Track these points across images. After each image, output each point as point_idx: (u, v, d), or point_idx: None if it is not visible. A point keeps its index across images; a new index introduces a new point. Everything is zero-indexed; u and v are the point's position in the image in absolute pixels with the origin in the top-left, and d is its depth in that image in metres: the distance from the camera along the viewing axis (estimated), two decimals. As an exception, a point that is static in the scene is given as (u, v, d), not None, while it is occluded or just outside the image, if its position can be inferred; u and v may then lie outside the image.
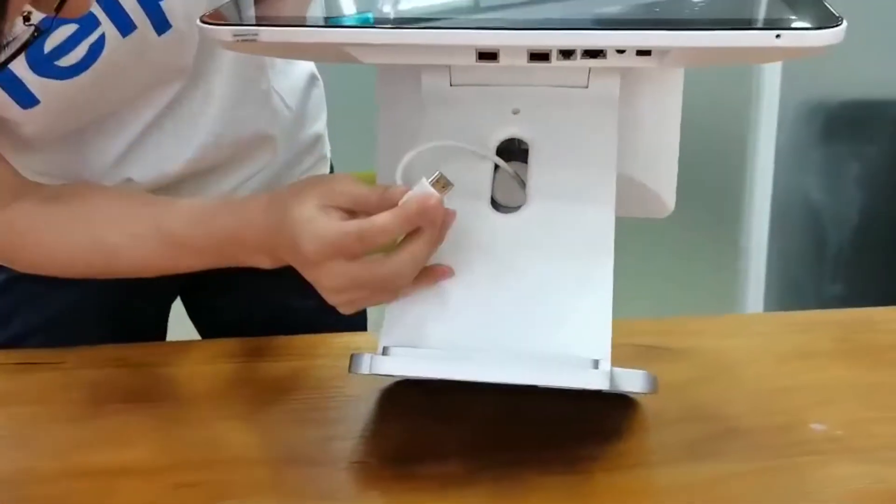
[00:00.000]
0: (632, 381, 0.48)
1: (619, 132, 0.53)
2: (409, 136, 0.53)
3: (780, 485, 0.49)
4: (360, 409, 0.58)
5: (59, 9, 0.41)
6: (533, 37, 0.46)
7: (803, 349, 0.72)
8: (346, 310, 0.51)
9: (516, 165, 0.53)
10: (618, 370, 0.47)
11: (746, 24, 0.44)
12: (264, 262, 0.54)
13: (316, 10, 0.54)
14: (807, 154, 2.64)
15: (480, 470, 0.50)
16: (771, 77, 2.44)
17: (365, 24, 0.48)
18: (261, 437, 0.53)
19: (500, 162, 0.52)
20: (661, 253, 2.49)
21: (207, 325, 0.84)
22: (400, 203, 0.47)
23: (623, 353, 0.70)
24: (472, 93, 0.54)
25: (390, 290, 0.50)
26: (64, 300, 0.74)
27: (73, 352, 0.67)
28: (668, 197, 0.58)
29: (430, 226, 0.48)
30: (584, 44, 0.46)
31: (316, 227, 0.48)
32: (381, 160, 0.58)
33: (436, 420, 0.56)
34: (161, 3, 0.58)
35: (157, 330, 0.81)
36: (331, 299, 0.50)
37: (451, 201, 0.51)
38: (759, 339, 0.76)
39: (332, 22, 0.50)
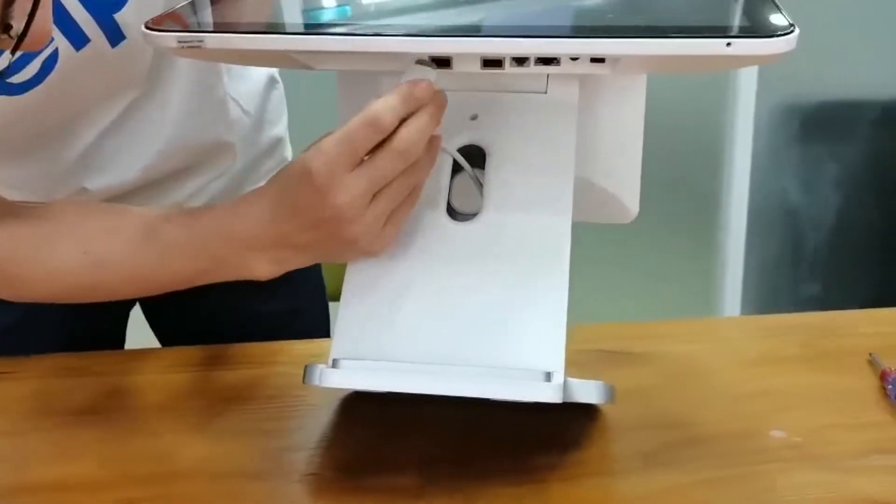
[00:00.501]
0: (586, 393, 0.48)
1: (581, 138, 0.53)
2: None
3: (738, 494, 0.48)
4: (317, 420, 0.57)
5: (16, 48, 0.39)
6: (486, 44, 0.45)
7: (767, 354, 0.71)
8: (378, 238, 0.47)
9: (475, 172, 0.52)
10: (572, 381, 0.47)
11: (698, 32, 0.43)
12: (259, 264, 0.49)
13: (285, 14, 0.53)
14: (783, 155, 2.65)
15: (436, 481, 0.50)
16: (747, 79, 2.45)
17: (314, 29, 0.48)
18: (212, 449, 0.52)
19: (462, 160, 0.51)
20: (638, 255, 2.49)
21: (167, 333, 0.83)
22: (398, 85, 0.45)
23: (588, 359, 0.70)
24: None
25: (411, 180, 0.47)
26: (19, 308, 0.72)
27: (26, 361, 0.65)
28: (631, 203, 0.57)
29: (433, 99, 0.46)
30: (537, 51, 0.45)
31: (316, 146, 0.45)
32: None
33: (392, 431, 0.55)
34: (115, 16, 0.56)
35: (115, 338, 0.80)
36: (357, 227, 0.46)
37: None
38: (724, 344, 0.76)
39: (288, 27, 0.49)
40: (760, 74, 2.44)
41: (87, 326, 0.76)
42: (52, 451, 0.52)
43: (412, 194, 0.49)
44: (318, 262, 0.52)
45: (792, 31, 0.42)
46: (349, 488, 0.49)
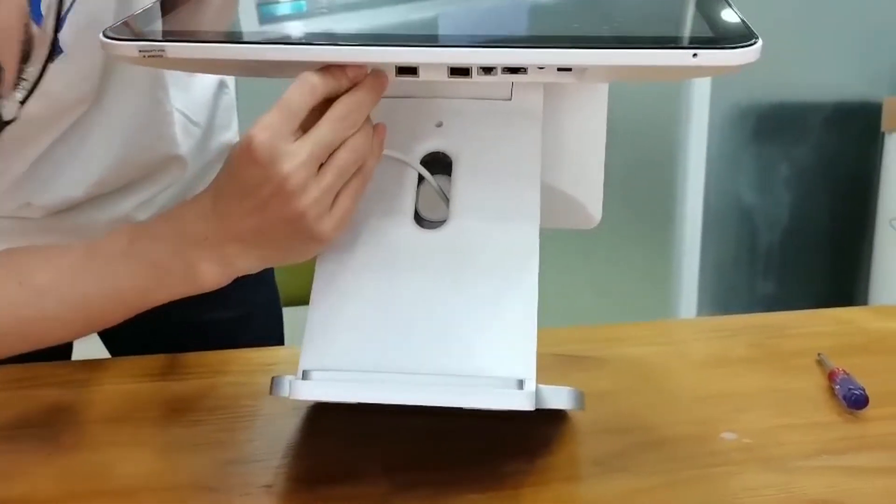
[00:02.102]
0: (558, 399, 0.48)
1: (545, 144, 0.53)
2: None
3: (693, 496, 0.49)
4: (273, 429, 0.57)
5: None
6: (452, 54, 0.45)
7: (719, 356, 0.72)
8: (328, 216, 0.46)
9: (441, 179, 0.52)
10: (544, 388, 0.47)
11: (665, 43, 0.44)
12: (205, 266, 0.47)
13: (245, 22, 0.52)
14: (737, 157, 2.69)
15: (399, 491, 0.49)
16: (700, 82, 2.48)
17: (276, 38, 0.47)
18: (162, 462, 0.51)
19: (422, 170, 0.51)
20: (596, 258, 2.51)
21: (114, 344, 0.81)
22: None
23: (546, 363, 0.69)
24: (395, 105, 0.52)
25: (355, 155, 0.46)
26: None
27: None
28: (595, 209, 0.57)
29: (370, 76, 0.46)
30: (504, 61, 0.45)
31: (256, 121, 0.44)
32: None
33: (352, 440, 0.54)
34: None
35: (61, 349, 0.78)
36: (303, 200, 0.44)
37: (374, 217, 0.50)
38: (677, 347, 0.77)
39: (248, 35, 0.48)
40: (713, 78, 2.47)
41: None
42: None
43: (361, 174, 0.47)
44: (267, 262, 0.49)
45: (756, 42, 0.43)
46: (310, 499, 0.48)
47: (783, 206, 2.76)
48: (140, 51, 0.45)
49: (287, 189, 0.44)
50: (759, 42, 0.43)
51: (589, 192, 0.57)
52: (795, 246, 2.79)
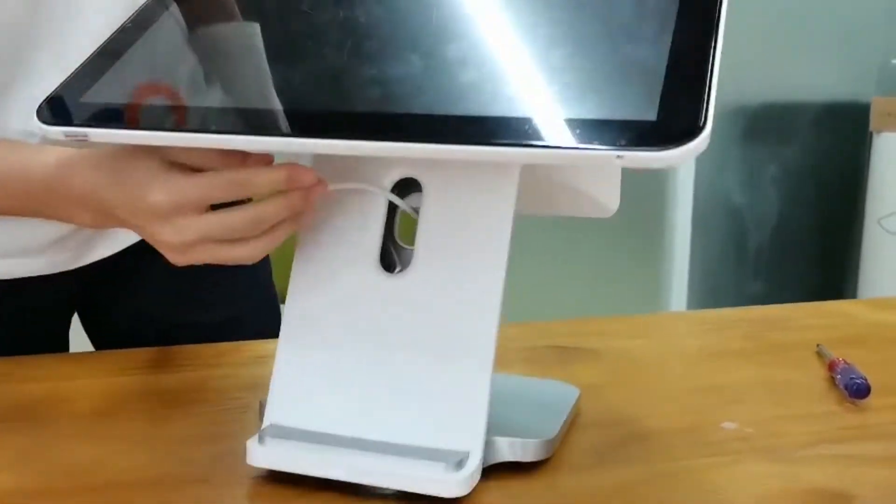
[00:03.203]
0: (513, 452, 0.47)
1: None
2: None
3: (689, 487, 0.48)
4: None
5: None
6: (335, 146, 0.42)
7: (714, 348, 0.72)
8: (181, 262, 0.48)
9: (413, 198, 0.50)
10: (501, 441, 0.47)
11: (586, 135, 0.38)
12: (83, 219, 0.51)
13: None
14: (726, 157, 2.70)
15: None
16: (691, 81, 2.49)
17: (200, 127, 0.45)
18: (149, 455, 0.50)
19: (398, 200, 0.49)
20: (586, 256, 2.51)
21: (104, 344, 0.80)
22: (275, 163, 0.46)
23: (540, 355, 0.69)
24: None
25: (238, 246, 0.47)
26: None
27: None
28: (612, 200, 0.54)
29: (300, 189, 0.46)
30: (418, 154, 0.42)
31: (168, 178, 0.45)
32: None
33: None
34: None
35: (56, 348, 0.77)
36: (173, 257, 0.48)
37: (339, 261, 0.49)
38: (672, 339, 0.76)
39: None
40: (703, 76, 2.48)
41: (25, 334, 0.73)
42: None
43: (279, 228, 0.48)
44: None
45: (702, 132, 0.36)
46: (302, 490, 0.47)
47: (772, 205, 2.77)
48: (66, 135, 0.45)
49: (164, 241, 0.47)
50: (705, 132, 0.37)
51: (607, 184, 0.53)
52: (784, 245, 2.80)
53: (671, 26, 0.41)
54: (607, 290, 2.62)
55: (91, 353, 0.68)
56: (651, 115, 0.38)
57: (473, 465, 0.44)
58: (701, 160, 2.63)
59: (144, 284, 0.77)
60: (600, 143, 0.37)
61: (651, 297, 2.69)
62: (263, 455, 0.46)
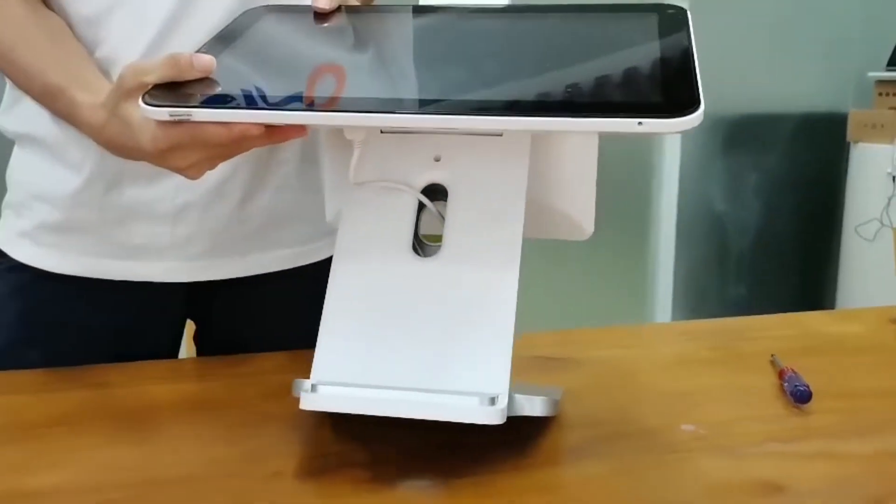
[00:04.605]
0: (531, 407, 0.55)
1: (541, 165, 0.59)
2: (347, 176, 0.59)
3: (650, 478, 0.56)
4: (286, 424, 0.63)
5: None
6: (432, 120, 0.52)
7: (683, 357, 0.80)
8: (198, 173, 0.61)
9: (440, 204, 0.59)
10: (519, 397, 0.54)
11: (613, 111, 0.50)
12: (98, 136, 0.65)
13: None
14: (709, 166, 2.78)
15: (393, 478, 0.56)
16: (675, 94, 2.56)
17: (286, 103, 0.54)
18: (180, 455, 0.58)
19: (426, 200, 0.58)
20: (573, 265, 2.58)
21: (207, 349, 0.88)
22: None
23: (527, 365, 0.77)
24: (399, 140, 0.59)
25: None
26: (67, 313, 0.79)
27: (9, 375, 0.70)
28: (588, 223, 0.64)
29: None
30: (472, 127, 0.53)
31: (153, 130, 0.57)
32: (327, 195, 0.65)
33: (364, 427, 0.61)
34: None
35: (169, 353, 0.85)
36: (189, 173, 0.60)
37: (378, 248, 0.58)
38: (646, 349, 0.85)
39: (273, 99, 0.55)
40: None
41: (139, 341, 0.82)
42: (36, 459, 0.58)
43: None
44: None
45: (698, 108, 0.49)
46: (326, 483, 0.55)
47: (753, 213, 2.85)
48: (171, 115, 0.54)
49: (174, 167, 0.60)
50: (701, 108, 0.49)
51: (583, 209, 0.63)
52: (765, 251, 2.88)
53: (657, 43, 0.56)
54: (595, 297, 2.69)
55: (134, 363, 0.76)
56: (658, 98, 0.51)
57: (503, 402, 0.52)
58: (684, 170, 2.71)
59: (264, 311, 0.86)
60: (626, 115, 0.49)
61: (637, 302, 2.76)
62: (315, 400, 0.52)
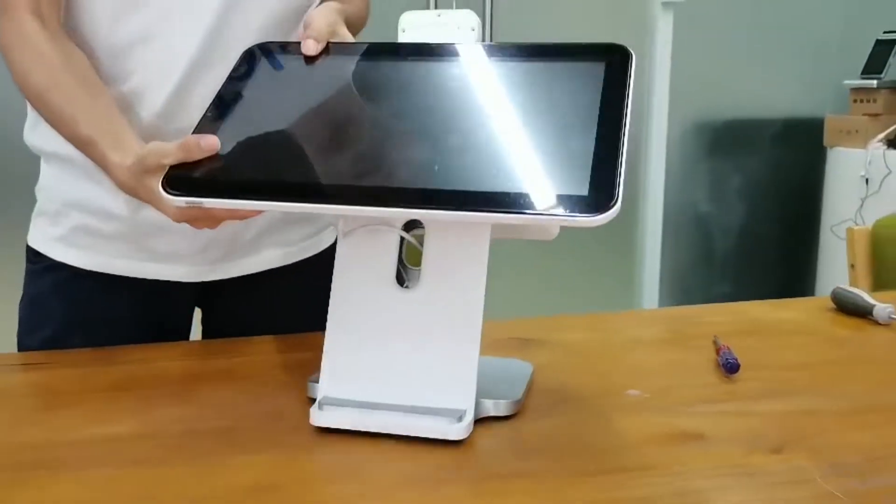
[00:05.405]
0: (497, 409, 0.69)
1: None
2: None
3: (601, 429, 0.68)
4: (302, 396, 0.76)
5: None
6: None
7: (641, 339, 0.93)
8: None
9: (418, 232, 0.71)
10: (487, 402, 0.68)
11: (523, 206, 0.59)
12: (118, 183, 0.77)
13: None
14: (694, 169, 2.89)
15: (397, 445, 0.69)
16: (660, 99, 2.67)
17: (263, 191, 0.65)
18: (216, 412, 0.71)
19: (408, 237, 0.70)
20: (562, 264, 2.69)
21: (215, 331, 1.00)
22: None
23: (503, 345, 0.90)
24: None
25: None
26: (103, 305, 0.92)
27: (67, 353, 0.83)
28: (554, 227, 0.73)
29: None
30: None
31: (174, 207, 0.70)
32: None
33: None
34: None
35: (180, 335, 0.98)
36: (196, 227, 0.73)
37: (367, 283, 0.70)
38: (609, 333, 0.97)
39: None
40: (671, 96, 2.67)
41: (159, 323, 0.95)
42: (95, 417, 0.71)
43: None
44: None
45: (613, 206, 0.58)
46: (337, 441, 0.68)
47: (736, 213, 2.96)
48: (186, 203, 0.67)
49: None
50: (616, 207, 0.58)
51: None
52: (747, 250, 2.99)
53: (594, 132, 0.64)
54: (583, 295, 2.78)
55: (168, 343, 0.89)
56: (584, 191, 0.60)
57: (468, 418, 0.65)
58: (670, 172, 2.82)
59: (276, 304, 0.99)
60: (553, 212, 0.59)
61: (624, 300, 2.86)
62: (322, 417, 0.67)
